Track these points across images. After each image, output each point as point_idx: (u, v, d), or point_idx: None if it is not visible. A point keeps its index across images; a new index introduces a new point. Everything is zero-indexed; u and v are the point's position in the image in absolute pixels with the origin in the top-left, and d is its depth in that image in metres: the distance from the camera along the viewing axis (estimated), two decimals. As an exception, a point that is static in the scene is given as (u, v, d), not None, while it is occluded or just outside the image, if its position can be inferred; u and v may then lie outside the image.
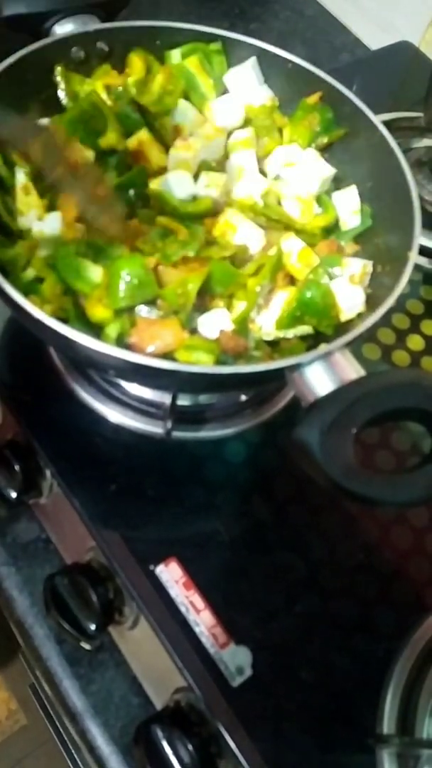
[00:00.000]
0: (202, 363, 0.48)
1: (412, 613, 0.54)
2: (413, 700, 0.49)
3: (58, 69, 0.58)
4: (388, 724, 0.49)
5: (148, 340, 0.48)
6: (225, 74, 0.63)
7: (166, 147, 0.59)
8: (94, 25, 0.59)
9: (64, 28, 0.58)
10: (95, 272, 0.50)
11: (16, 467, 0.59)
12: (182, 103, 0.60)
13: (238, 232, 0.55)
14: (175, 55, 0.62)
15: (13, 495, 0.59)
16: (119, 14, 0.61)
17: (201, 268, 0.52)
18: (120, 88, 0.59)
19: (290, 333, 0.52)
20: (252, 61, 0.62)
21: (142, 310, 0.50)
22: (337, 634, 0.53)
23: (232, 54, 0.63)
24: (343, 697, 0.51)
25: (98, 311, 0.49)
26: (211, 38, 0.62)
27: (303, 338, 0.53)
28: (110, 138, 0.57)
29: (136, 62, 0.61)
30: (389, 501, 0.41)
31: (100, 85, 0.59)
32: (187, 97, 0.62)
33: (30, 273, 0.51)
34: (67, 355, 0.60)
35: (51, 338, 0.47)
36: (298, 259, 0.54)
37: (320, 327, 0.52)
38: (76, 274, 0.49)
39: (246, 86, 0.62)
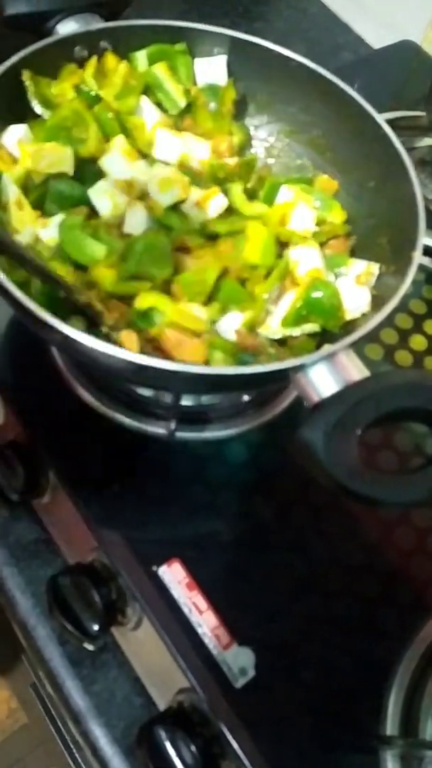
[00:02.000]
0: (219, 362, 0.48)
1: (416, 613, 0.54)
2: (416, 701, 0.49)
3: (26, 74, 0.56)
4: (391, 726, 0.48)
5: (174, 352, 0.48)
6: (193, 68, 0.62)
7: (143, 153, 0.58)
8: (97, 24, 0.58)
9: (66, 28, 0.57)
10: (98, 249, 0.50)
11: (19, 467, 0.59)
12: (144, 102, 0.59)
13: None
14: (141, 58, 0.61)
15: (16, 495, 0.59)
16: (122, 13, 0.61)
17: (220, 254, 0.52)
18: (85, 88, 0.57)
19: (296, 331, 0.52)
20: (222, 59, 0.62)
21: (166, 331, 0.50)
22: (340, 635, 0.53)
23: (235, 53, 0.62)
24: (346, 698, 0.51)
25: (107, 275, 0.49)
26: (215, 37, 0.61)
27: (311, 336, 0.53)
28: (90, 146, 0.56)
29: (111, 62, 0.60)
30: (394, 501, 0.41)
31: (68, 87, 0.57)
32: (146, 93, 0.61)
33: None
34: (69, 356, 0.60)
35: (54, 339, 0.47)
36: (306, 274, 0.54)
37: (327, 326, 0.52)
38: (78, 249, 0.50)
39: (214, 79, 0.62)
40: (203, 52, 0.63)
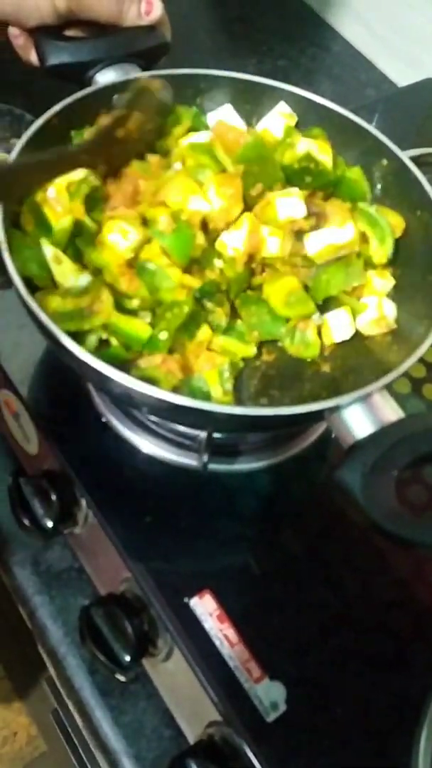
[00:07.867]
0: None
1: (447, 650, 0.54)
2: (448, 738, 0.49)
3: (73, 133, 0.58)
4: (423, 763, 0.48)
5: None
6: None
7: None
8: (135, 73, 0.60)
9: (105, 77, 0.59)
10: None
11: (53, 497, 0.60)
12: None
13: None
14: None
15: (50, 524, 0.60)
16: (159, 61, 0.63)
17: None
18: None
19: None
20: (228, 107, 0.63)
21: None
22: (372, 671, 0.53)
23: (267, 97, 0.64)
24: (377, 734, 0.51)
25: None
26: (248, 84, 0.63)
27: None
28: None
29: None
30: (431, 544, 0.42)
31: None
32: None
33: (92, 340, 0.52)
34: (104, 391, 0.61)
35: (91, 376, 0.48)
36: None
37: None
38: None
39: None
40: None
